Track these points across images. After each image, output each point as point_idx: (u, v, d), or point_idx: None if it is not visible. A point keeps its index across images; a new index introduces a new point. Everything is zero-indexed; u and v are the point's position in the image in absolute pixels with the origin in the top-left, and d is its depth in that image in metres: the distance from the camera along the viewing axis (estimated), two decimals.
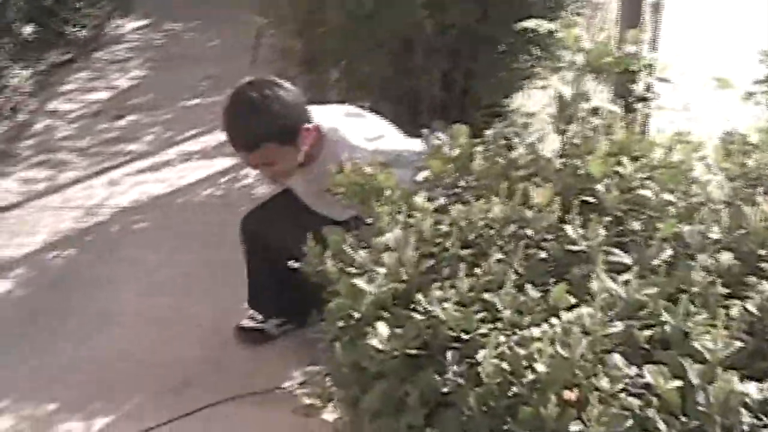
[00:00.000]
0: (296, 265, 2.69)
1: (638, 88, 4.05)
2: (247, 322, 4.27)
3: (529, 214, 2.51)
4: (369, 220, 2.67)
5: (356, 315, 2.39)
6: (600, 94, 3.16)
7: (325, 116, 3.70)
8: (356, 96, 5.48)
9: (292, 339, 4.22)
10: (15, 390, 4.03)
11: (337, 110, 3.85)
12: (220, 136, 5.98)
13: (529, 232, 2.50)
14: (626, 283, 2.23)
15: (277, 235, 3.81)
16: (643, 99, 4.09)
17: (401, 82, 5.17)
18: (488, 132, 2.96)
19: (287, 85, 3.61)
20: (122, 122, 6.41)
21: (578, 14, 5.12)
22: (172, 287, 4.69)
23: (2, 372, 4.15)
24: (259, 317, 4.27)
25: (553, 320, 2.14)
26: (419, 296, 2.27)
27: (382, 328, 2.25)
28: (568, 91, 2.93)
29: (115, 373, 4.13)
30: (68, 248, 5.06)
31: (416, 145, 3.37)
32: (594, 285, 2.21)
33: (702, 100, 4.00)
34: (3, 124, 6.26)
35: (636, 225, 2.59)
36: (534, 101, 5.56)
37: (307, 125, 3.58)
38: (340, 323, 2.43)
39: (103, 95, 6.84)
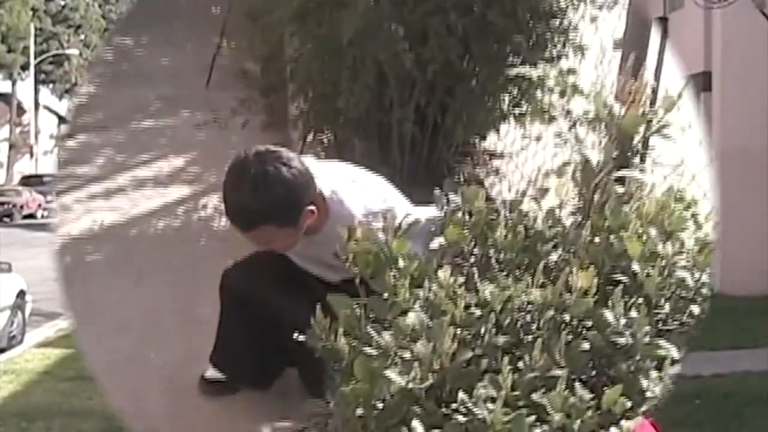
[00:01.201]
0: (301, 338, 2.50)
1: (635, 142, 3.92)
2: (211, 373, 4.02)
3: (567, 298, 2.31)
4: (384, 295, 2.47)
5: (379, 403, 2.19)
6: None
7: (331, 182, 3.39)
8: (323, 128, 5.29)
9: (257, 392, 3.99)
10: None
11: (343, 174, 3.53)
12: (175, 162, 5.78)
13: (567, 317, 2.32)
14: None
15: (262, 296, 3.62)
16: (640, 154, 3.95)
17: (373, 116, 4.97)
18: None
19: (294, 160, 3.28)
20: (72, 143, 6.09)
21: (560, 57, 4.97)
22: (131, 328, 4.40)
23: None
24: None
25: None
26: (462, 395, 2.06)
27: (419, 429, 2.04)
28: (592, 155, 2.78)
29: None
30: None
31: (425, 212, 3.13)
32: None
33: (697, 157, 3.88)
34: None
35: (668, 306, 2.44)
36: (506, 142, 5.42)
37: (310, 207, 3.33)
38: (359, 411, 2.23)
39: None
